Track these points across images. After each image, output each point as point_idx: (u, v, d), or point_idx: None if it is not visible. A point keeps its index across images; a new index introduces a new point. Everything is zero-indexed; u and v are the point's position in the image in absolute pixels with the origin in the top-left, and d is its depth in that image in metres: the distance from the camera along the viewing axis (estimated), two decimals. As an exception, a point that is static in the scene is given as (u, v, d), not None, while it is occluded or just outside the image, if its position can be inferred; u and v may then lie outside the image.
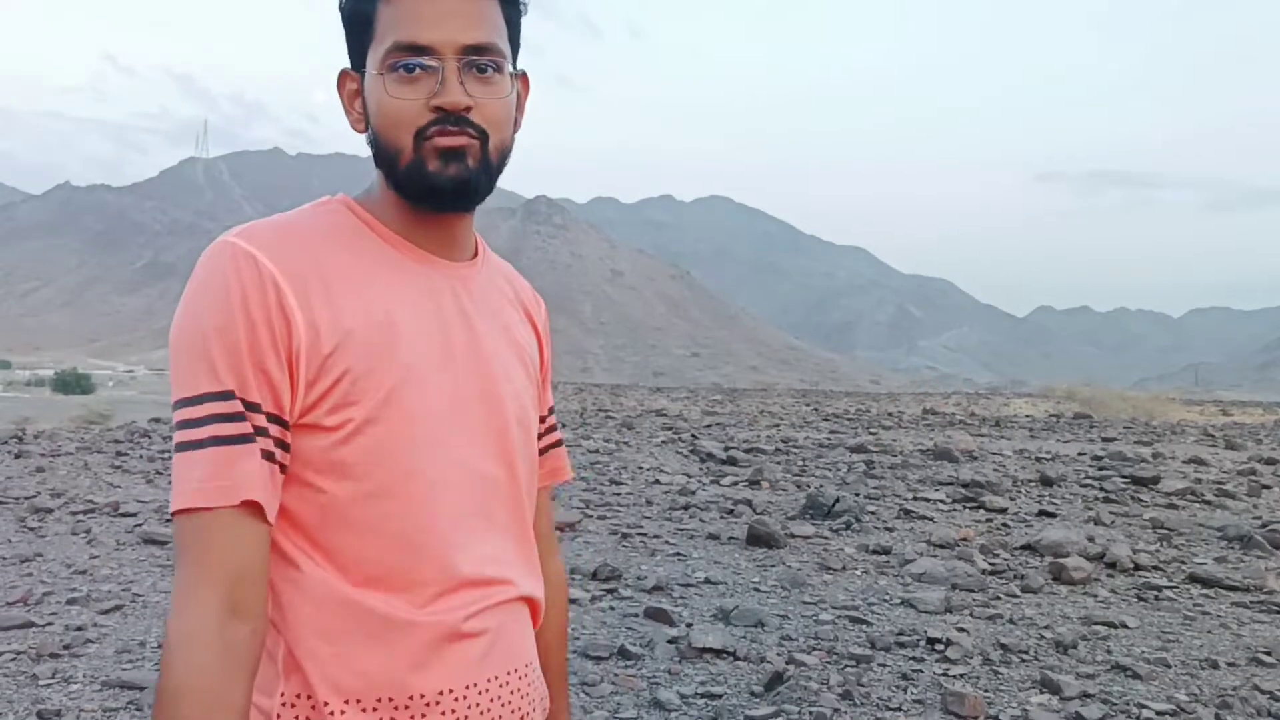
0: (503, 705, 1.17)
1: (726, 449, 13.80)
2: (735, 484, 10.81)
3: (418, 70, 1.09)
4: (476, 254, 1.25)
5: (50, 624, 5.08)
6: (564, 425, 19.26)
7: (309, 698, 1.08)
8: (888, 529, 8.39)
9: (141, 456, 11.61)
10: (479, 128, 1.11)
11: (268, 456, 1.05)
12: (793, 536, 7.91)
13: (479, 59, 1.11)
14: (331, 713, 1.07)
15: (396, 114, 1.11)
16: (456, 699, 1.12)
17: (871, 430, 18.99)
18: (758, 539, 7.63)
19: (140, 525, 7.53)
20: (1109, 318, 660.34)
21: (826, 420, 22.34)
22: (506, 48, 1.15)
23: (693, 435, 16.55)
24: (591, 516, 8.55)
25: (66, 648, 4.72)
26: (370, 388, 1.09)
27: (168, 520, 7.73)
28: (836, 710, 4.31)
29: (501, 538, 1.19)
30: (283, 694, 1.09)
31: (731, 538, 7.89)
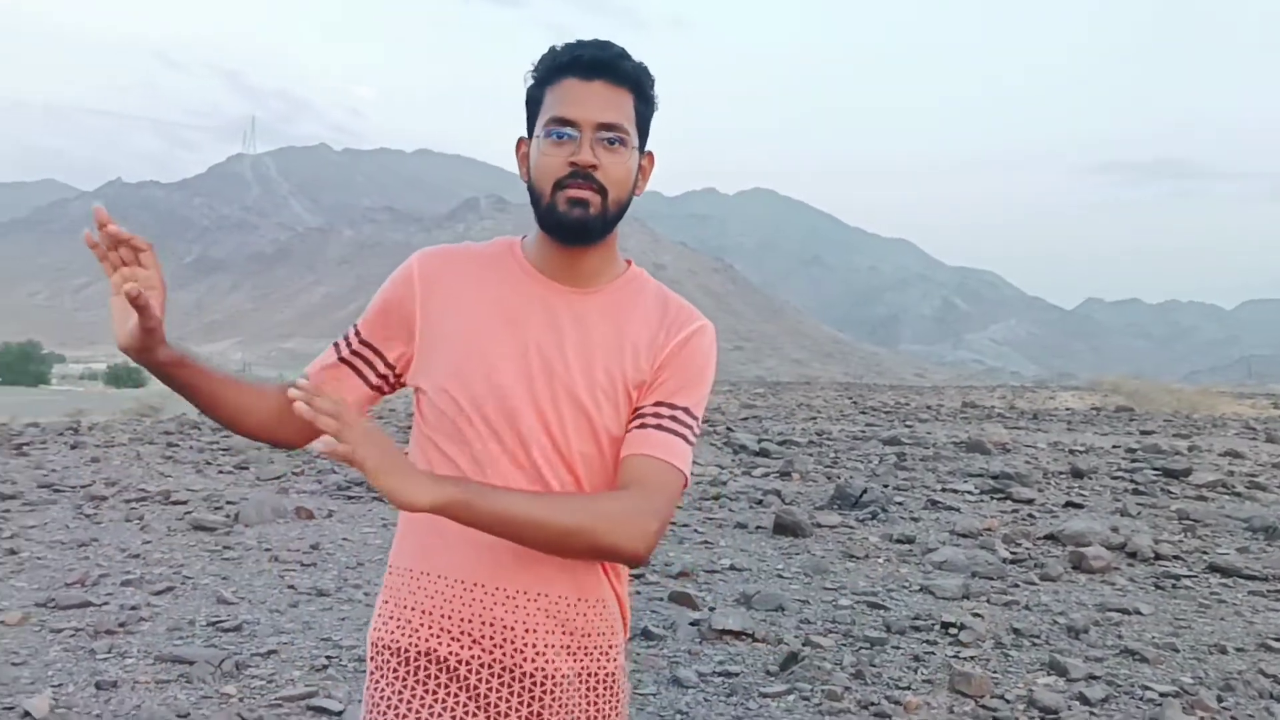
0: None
1: (760, 441, 13.96)
2: (766, 475, 10.99)
3: (564, 137, 1.51)
4: (609, 286, 1.63)
5: (106, 603, 5.39)
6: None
7: None
8: (913, 519, 8.54)
9: (191, 447, 11.99)
10: (601, 185, 1.51)
11: (345, 361, 1.64)
12: (819, 526, 8.09)
13: (608, 134, 1.51)
14: None
15: (545, 167, 1.52)
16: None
17: (907, 423, 19.05)
18: (784, 528, 7.82)
19: (190, 513, 7.85)
20: (1160, 310, 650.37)
21: (864, 413, 22.40)
22: (633, 131, 1.55)
23: (728, 428, 16.71)
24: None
25: (121, 625, 5.01)
26: (449, 356, 1.57)
27: (217, 508, 8.07)
28: (847, 689, 4.50)
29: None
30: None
31: (759, 527, 8.08)
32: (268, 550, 6.79)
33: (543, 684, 1.56)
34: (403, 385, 1.66)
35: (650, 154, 1.62)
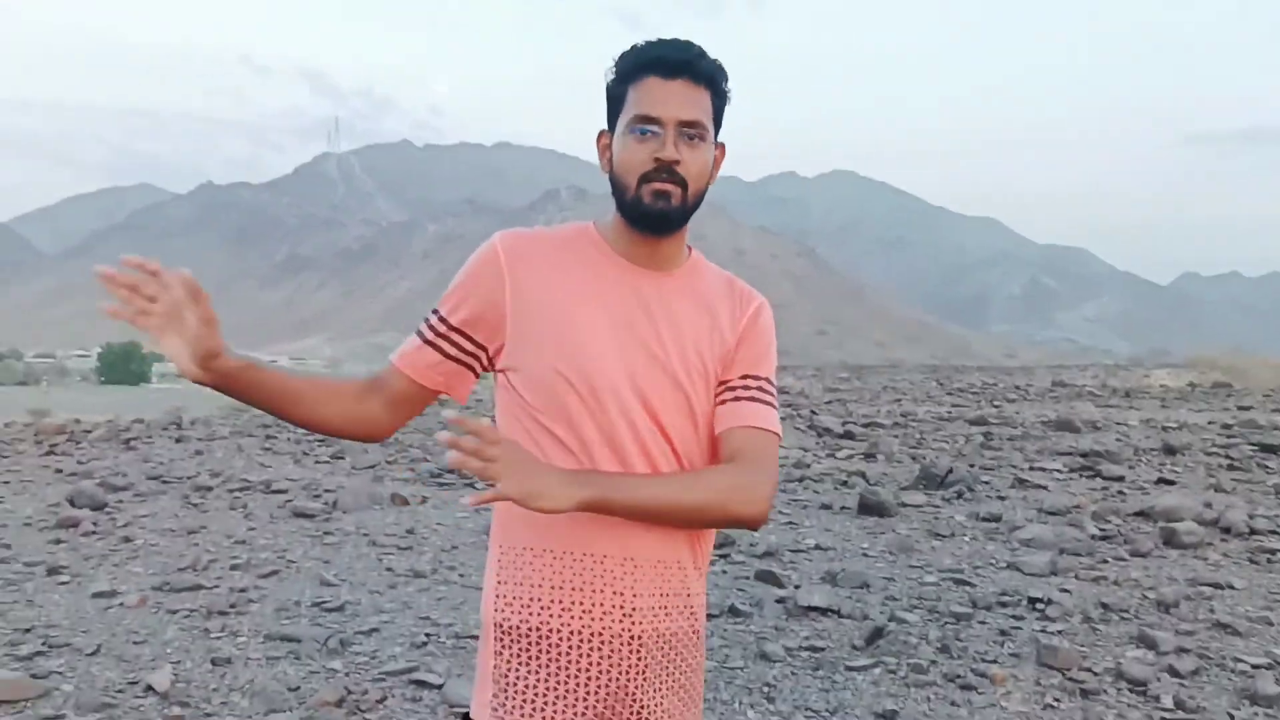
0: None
1: (844, 424, 13.95)
2: (850, 457, 11.00)
3: (648, 134, 1.59)
4: (681, 268, 1.72)
5: (216, 586, 5.66)
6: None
7: None
8: (1000, 498, 8.50)
9: (288, 439, 12.37)
10: (682, 178, 1.59)
11: (432, 345, 1.67)
12: (904, 506, 8.10)
13: (690, 130, 1.59)
14: None
15: (630, 162, 1.60)
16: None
17: (995, 404, 18.82)
18: (869, 508, 7.85)
19: (290, 501, 8.15)
20: (1261, 283, 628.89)
21: (950, 395, 22.15)
22: (711, 126, 1.63)
23: (811, 411, 16.69)
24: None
25: (232, 606, 5.26)
26: (539, 336, 1.63)
27: (316, 496, 8.36)
28: (933, 662, 4.56)
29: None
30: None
31: (844, 507, 8.12)
32: (366, 535, 7.04)
33: (651, 646, 1.62)
34: (493, 367, 1.70)
35: (721, 145, 1.70)
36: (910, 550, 6.67)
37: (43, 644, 4.59)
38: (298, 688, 4.16)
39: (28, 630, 4.79)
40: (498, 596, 1.65)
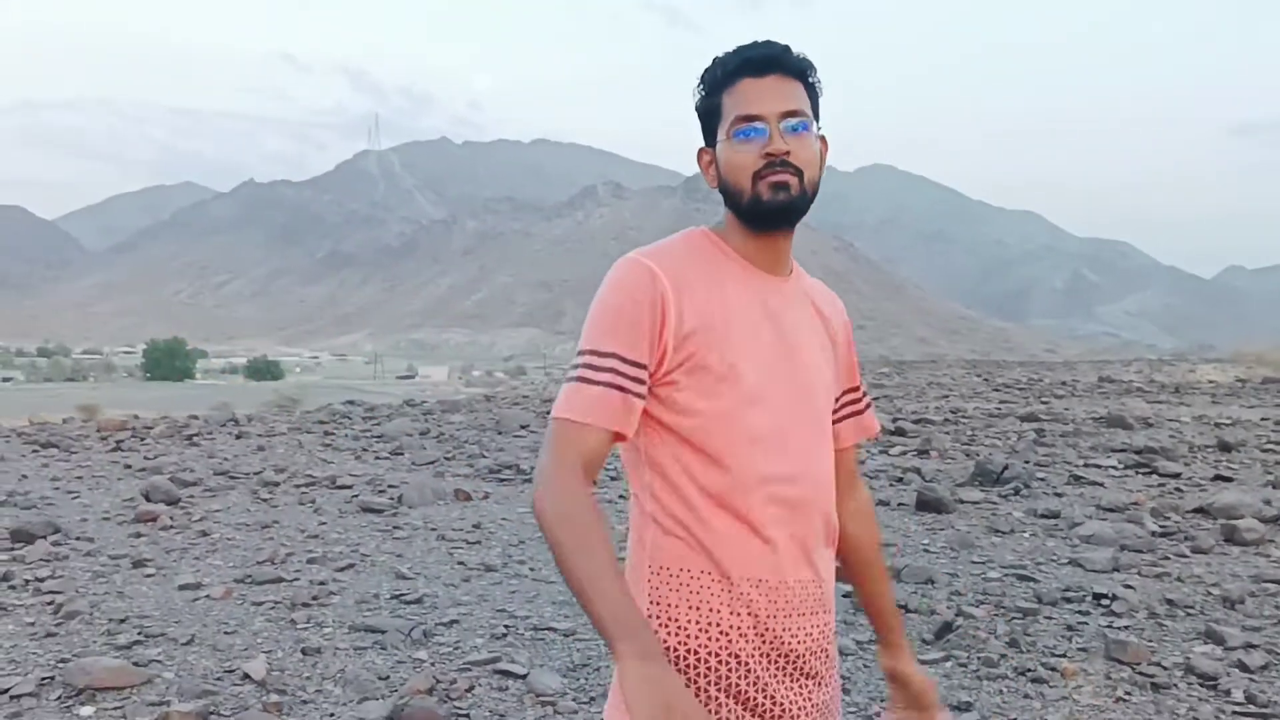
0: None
1: (894, 420, 13.97)
2: (904, 453, 11.05)
3: (753, 133, 1.58)
4: (792, 272, 1.73)
5: (297, 579, 5.83)
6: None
7: None
8: (1057, 494, 8.53)
9: (346, 435, 12.60)
10: (796, 167, 1.59)
11: (630, 392, 1.53)
12: (961, 502, 8.16)
13: (793, 120, 1.59)
14: None
15: (739, 164, 1.60)
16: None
17: (1043, 399, 18.73)
18: (926, 504, 7.92)
19: (357, 496, 8.34)
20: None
21: (997, 390, 22.07)
22: (811, 115, 1.63)
23: (860, 407, 16.71)
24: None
25: (315, 598, 5.43)
26: (710, 360, 1.58)
27: (380, 491, 8.54)
28: (1004, 656, 4.64)
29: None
30: None
31: (901, 504, 8.19)
32: (434, 530, 7.20)
33: (799, 665, 1.61)
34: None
35: (823, 137, 1.68)
36: (971, 546, 6.73)
37: (139, 634, 4.77)
38: (387, 677, 4.31)
39: (122, 621, 4.98)
40: (671, 620, 1.60)
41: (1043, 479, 9.14)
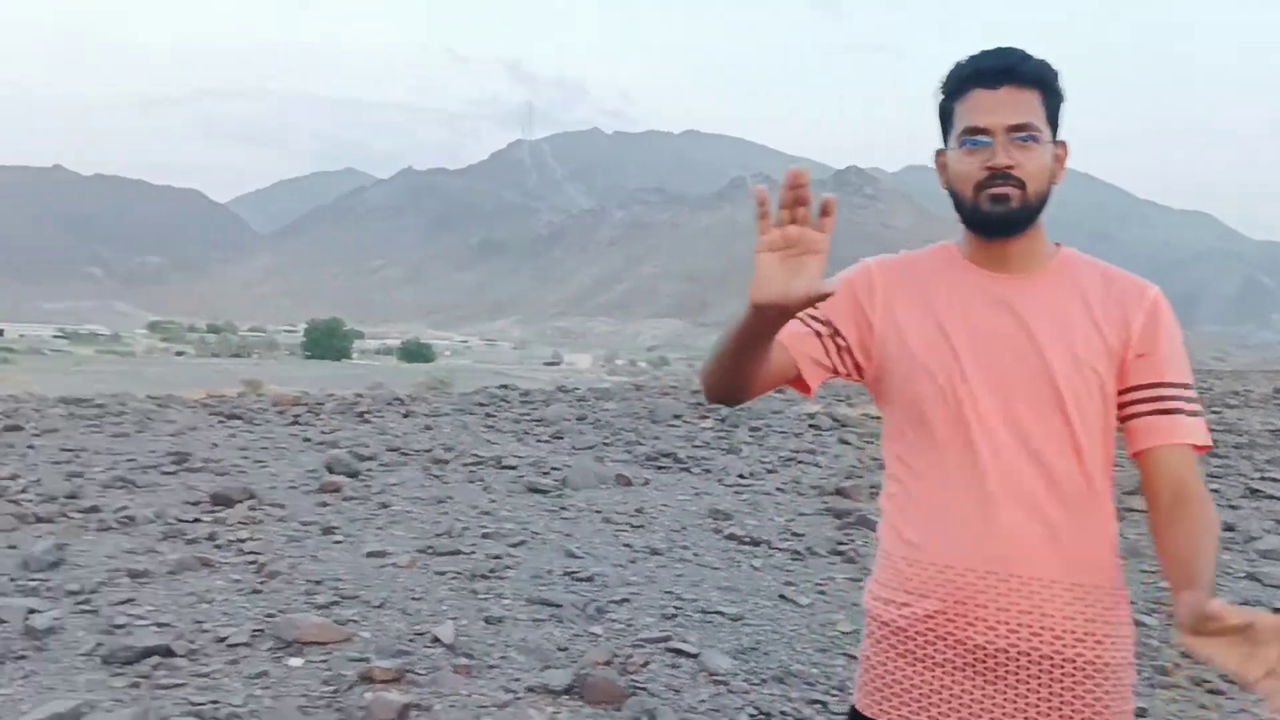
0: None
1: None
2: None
3: (978, 145, 1.64)
4: (1044, 268, 1.72)
5: (474, 552, 6.13)
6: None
7: None
8: (1232, 507, 8.26)
9: (506, 418, 13.01)
10: (1019, 180, 1.63)
11: (815, 333, 1.74)
12: (1128, 511, 7.96)
13: (1020, 134, 1.63)
14: None
15: (963, 174, 1.67)
16: None
17: (1214, 409, 17.98)
18: (1093, 511, 7.76)
19: (522, 477, 8.65)
20: None
21: (1163, 398, 21.27)
22: (1044, 126, 1.66)
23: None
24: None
25: (491, 571, 5.71)
26: (911, 353, 1.70)
27: (544, 473, 8.84)
28: (1177, 665, 4.58)
29: None
30: None
31: (1065, 509, 8.05)
32: (598, 512, 7.44)
33: (1073, 673, 1.61)
34: (856, 374, 1.76)
35: (1063, 143, 1.70)
36: (1140, 555, 6.59)
37: (335, 595, 5.11)
38: (566, 648, 4.53)
39: (319, 582, 5.33)
40: (874, 596, 1.76)
41: (1216, 490, 8.83)
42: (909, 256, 1.82)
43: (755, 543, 6.71)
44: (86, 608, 4.73)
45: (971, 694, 1.63)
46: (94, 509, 6.73)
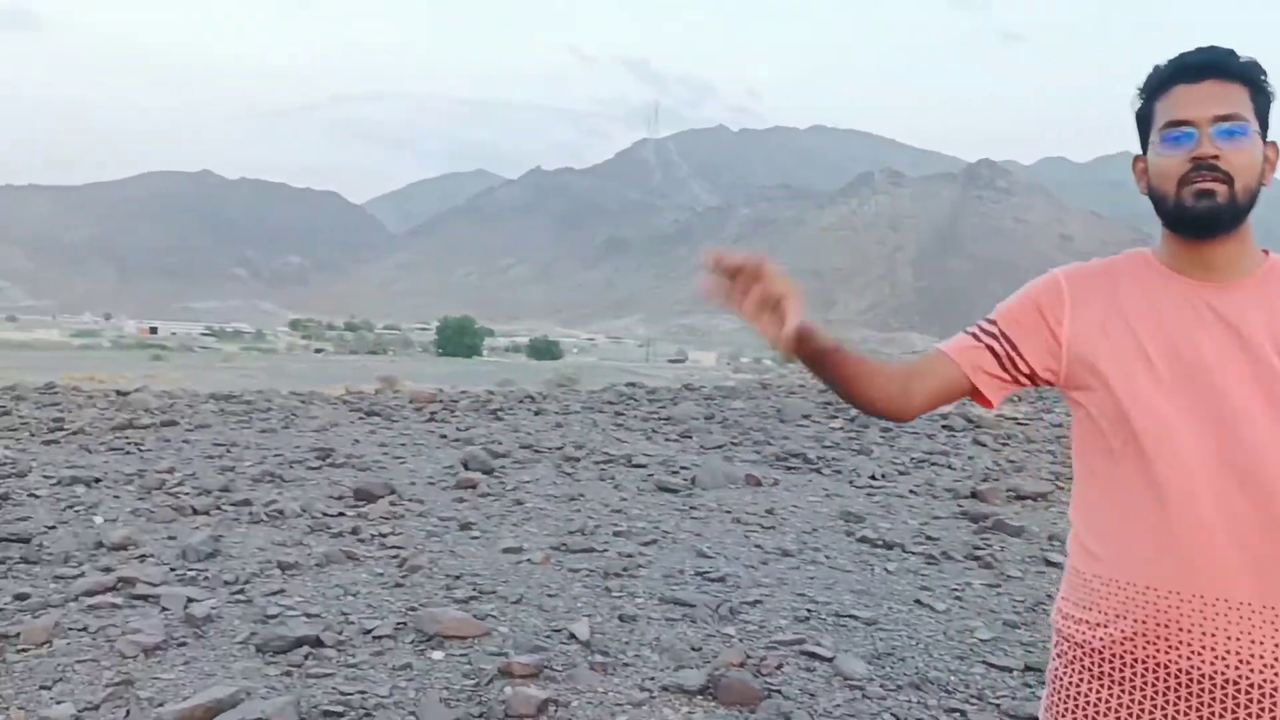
0: None
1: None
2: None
3: (1181, 139, 1.58)
4: (1249, 274, 1.63)
5: (606, 550, 6.20)
6: (1018, 398, 19.01)
7: None
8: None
9: (635, 416, 13.11)
10: (1226, 173, 1.55)
11: (984, 345, 1.76)
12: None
13: (1226, 124, 1.56)
14: None
15: (1165, 169, 1.61)
16: None
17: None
18: None
19: (652, 475, 8.71)
20: None
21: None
22: (1252, 119, 1.59)
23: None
24: (1063, 489, 8.69)
25: (624, 570, 5.77)
26: (1104, 367, 1.65)
27: (673, 472, 8.88)
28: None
29: None
30: None
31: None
32: (728, 512, 7.44)
33: (1271, 696, 1.54)
34: (1036, 384, 1.75)
35: (1274, 144, 1.63)
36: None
37: (474, 590, 5.23)
38: (699, 648, 4.55)
39: (458, 577, 5.47)
40: (1065, 615, 1.71)
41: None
42: (1102, 264, 1.76)
43: (888, 546, 6.63)
44: (241, 597, 4.96)
45: (1171, 719, 1.58)
46: (245, 502, 7.04)
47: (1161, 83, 1.63)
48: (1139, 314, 1.64)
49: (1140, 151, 1.69)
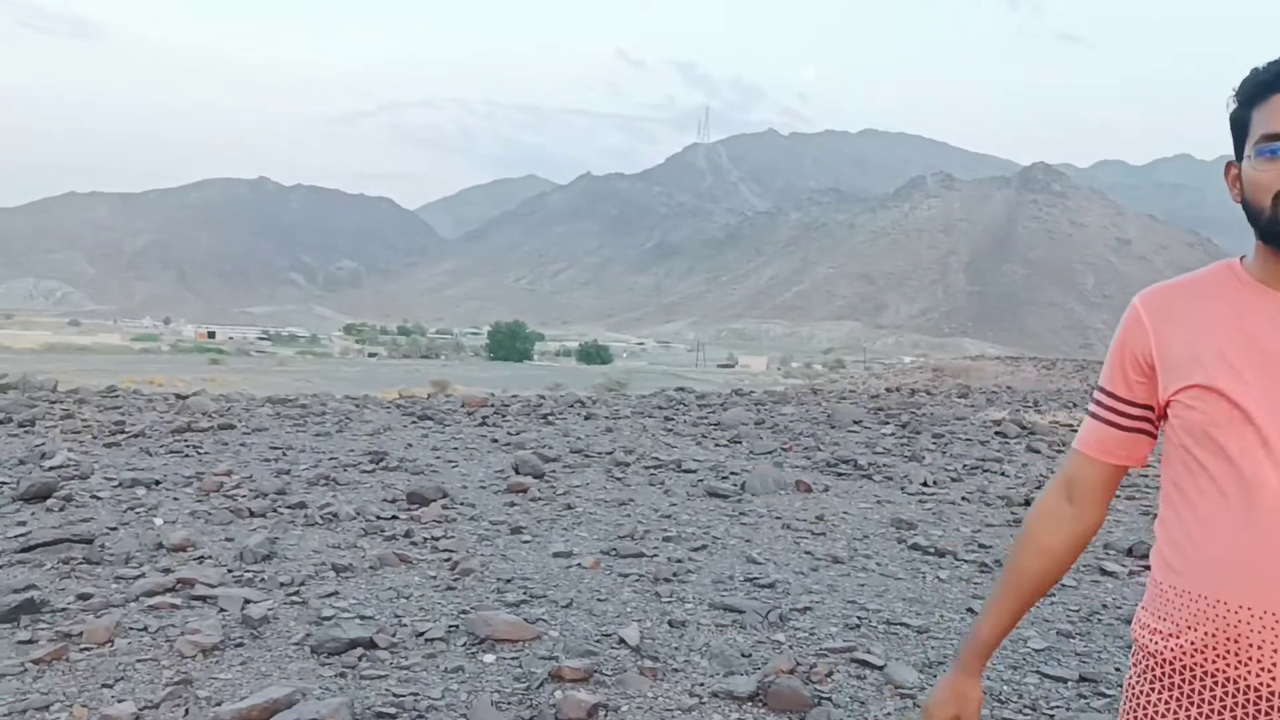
0: None
1: None
2: None
3: (1277, 152, 1.51)
4: None
5: (656, 555, 6.22)
6: (1073, 404, 18.76)
7: None
8: None
9: (684, 421, 13.12)
10: None
11: (1107, 422, 1.75)
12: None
13: None
14: None
15: (1260, 183, 1.53)
16: None
17: None
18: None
19: (701, 480, 8.72)
20: None
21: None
22: None
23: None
24: (1118, 496, 8.57)
25: (674, 575, 5.78)
26: (1191, 384, 1.60)
27: (723, 477, 8.88)
28: None
29: None
30: None
31: None
32: (778, 518, 7.43)
33: None
34: (1164, 418, 1.70)
35: None
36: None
37: (524, 594, 5.27)
38: (749, 655, 4.55)
39: (509, 581, 5.51)
40: (1142, 624, 1.70)
41: None
42: (1184, 280, 1.72)
43: (940, 554, 6.57)
44: (296, 599, 5.04)
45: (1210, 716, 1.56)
46: (301, 505, 7.14)
47: (1260, 89, 1.56)
48: (1225, 330, 1.60)
49: (1235, 158, 1.63)
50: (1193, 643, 1.58)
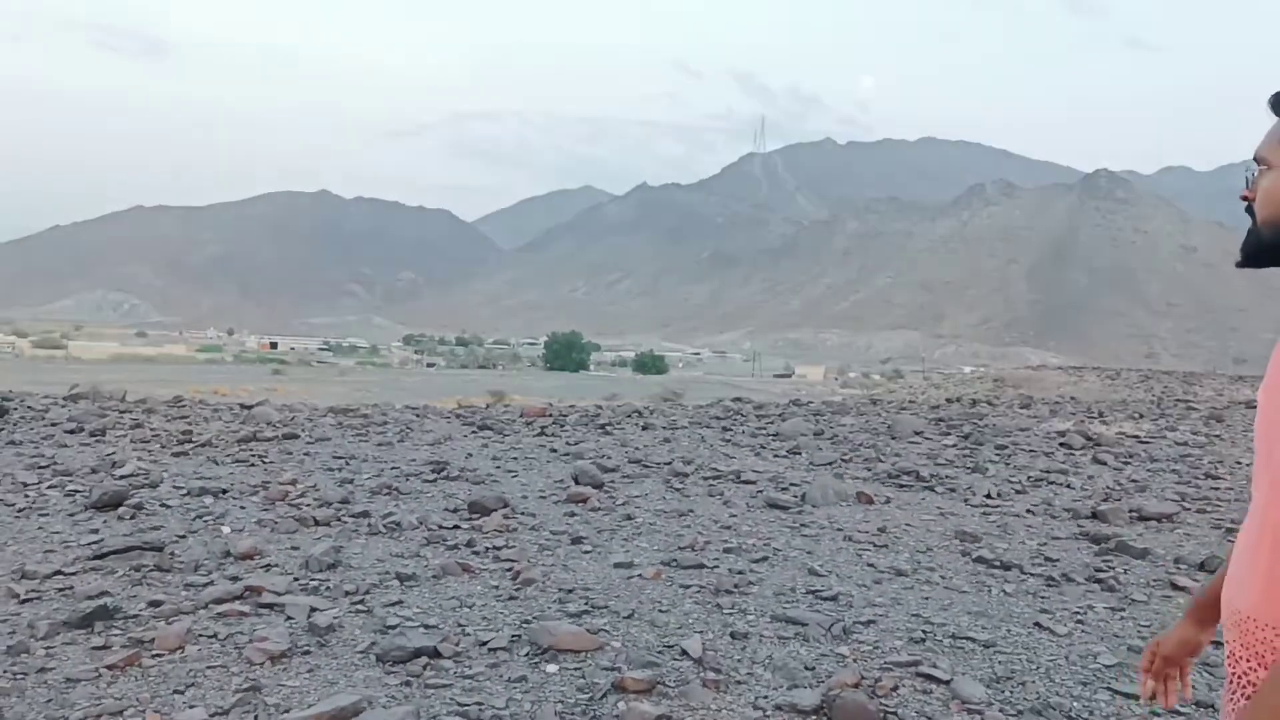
0: None
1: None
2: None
3: None
4: None
5: (717, 566, 6.19)
6: (1140, 415, 18.42)
7: None
8: None
9: (743, 432, 13.07)
10: None
11: None
12: None
13: None
14: None
15: None
16: None
17: None
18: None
19: (761, 492, 8.67)
20: None
21: None
22: None
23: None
24: (1189, 509, 8.39)
25: (735, 586, 5.75)
26: None
27: (783, 489, 8.83)
28: None
29: None
30: None
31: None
32: (840, 530, 7.36)
33: None
34: None
35: None
36: None
37: (586, 604, 5.28)
38: (813, 668, 4.51)
39: (570, 591, 5.52)
40: None
41: None
42: None
43: (1006, 567, 6.48)
44: (361, 608, 5.09)
45: None
46: (364, 514, 7.22)
47: None
48: None
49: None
50: None
